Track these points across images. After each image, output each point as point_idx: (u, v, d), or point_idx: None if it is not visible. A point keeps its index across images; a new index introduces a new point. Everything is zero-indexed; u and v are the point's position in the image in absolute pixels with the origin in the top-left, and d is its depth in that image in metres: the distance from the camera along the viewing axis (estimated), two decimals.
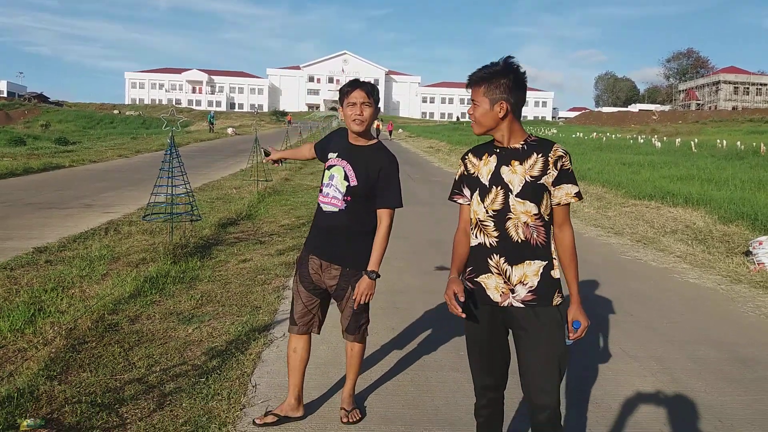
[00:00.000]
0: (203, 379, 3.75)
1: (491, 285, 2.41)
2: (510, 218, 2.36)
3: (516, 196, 2.35)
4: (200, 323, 4.77)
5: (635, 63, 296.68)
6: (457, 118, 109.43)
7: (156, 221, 8.06)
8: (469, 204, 2.52)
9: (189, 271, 6.26)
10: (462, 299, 2.33)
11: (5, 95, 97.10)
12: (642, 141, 36.73)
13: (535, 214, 2.35)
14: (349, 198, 3.09)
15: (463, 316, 2.37)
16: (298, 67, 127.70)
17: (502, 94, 2.32)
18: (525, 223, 2.35)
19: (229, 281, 6.01)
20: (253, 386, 3.73)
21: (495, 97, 2.33)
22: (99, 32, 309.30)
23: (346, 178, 3.10)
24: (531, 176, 2.33)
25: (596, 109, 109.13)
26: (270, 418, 3.23)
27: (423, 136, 50.86)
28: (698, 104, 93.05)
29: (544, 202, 2.36)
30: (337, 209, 3.12)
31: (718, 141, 31.78)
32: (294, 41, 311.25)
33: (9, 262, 6.34)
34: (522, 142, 2.39)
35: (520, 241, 2.36)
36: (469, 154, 2.54)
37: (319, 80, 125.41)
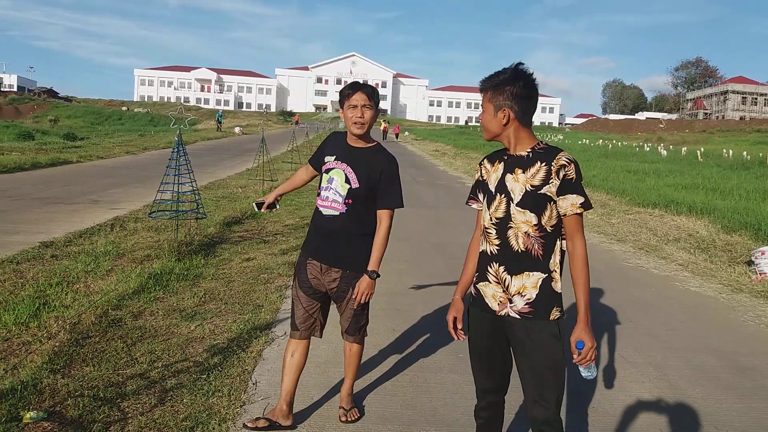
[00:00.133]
0: (204, 376, 3.79)
1: (489, 293, 2.41)
2: (511, 227, 2.34)
3: (516, 205, 2.32)
4: (203, 320, 4.82)
5: (643, 71, 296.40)
6: (466, 122, 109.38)
7: (162, 218, 8.12)
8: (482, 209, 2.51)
9: (193, 269, 6.31)
10: (460, 326, 2.53)
11: (15, 89, 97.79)
12: (648, 149, 36.69)
13: (536, 225, 2.31)
14: (350, 201, 3.09)
15: (462, 339, 2.57)
16: (306, 68, 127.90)
17: (505, 101, 2.32)
18: (526, 233, 2.32)
19: (233, 279, 6.06)
20: (254, 384, 3.77)
21: (498, 103, 2.33)
22: (109, 28, 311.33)
23: (347, 180, 3.10)
24: (532, 185, 2.29)
25: (603, 116, 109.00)
26: (261, 423, 3.19)
27: (429, 139, 50.91)
28: (706, 113, 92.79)
29: (547, 212, 2.30)
30: (337, 212, 3.11)
31: (725, 151, 31.73)
32: (303, 42, 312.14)
33: (15, 256, 6.40)
34: (528, 150, 2.35)
35: (520, 251, 2.33)
36: (485, 160, 2.53)
37: (327, 81, 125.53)
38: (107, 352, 4.06)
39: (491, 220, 2.40)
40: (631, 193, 13.89)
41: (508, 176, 2.36)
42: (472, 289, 2.53)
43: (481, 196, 2.51)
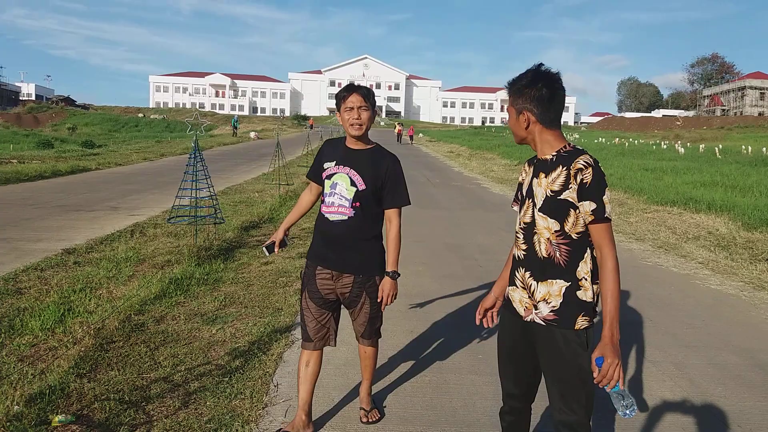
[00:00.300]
0: (227, 379, 3.84)
1: (516, 298, 2.40)
2: (536, 233, 2.30)
3: (538, 210, 2.28)
4: (224, 324, 4.88)
5: (659, 68, 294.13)
6: (482, 122, 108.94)
7: (180, 224, 8.21)
8: None
9: (213, 273, 6.38)
10: (480, 316, 2.59)
11: (33, 98, 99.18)
12: (665, 147, 36.35)
13: (557, 231, 2.24)
14: (357, 204, 3.06)
15: (488, 325, 2.60)
16: (319, 72, 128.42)
17: (524, 104, 2.29)
18: (548, 239, 2.26)
19: (252, 283, 6.12)
20: (275, 386, 3.81)
21: (519, 106, 2.31)
22: (124, 36, 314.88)
23: (353, 183, 3.07)
24: (552, 191, 2.23)
25: (619, 115, 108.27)
26: None
27: (443, 140, 50.86)
28: (723, 110, 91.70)
29: (570, 219, 2.21)
30: (345, 217, 3.07)
31: (743, 147, 31.34)
32: (316, 46, 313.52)
33: (39, 263, 6.52)
34: (553, 154, 2.28)
35: (542, 257, 2.28)
36: (526, 162, 2.48)
37: (340, 84, 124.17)
38: (131, 357, 4.13)
39: (520, 225, 2.39)
40: (649, 191, 13.79)
41: (535, 180, 2.33)
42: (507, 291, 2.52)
43: (520, 199, 2.48)
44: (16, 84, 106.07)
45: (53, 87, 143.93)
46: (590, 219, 2.18)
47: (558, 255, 2.25)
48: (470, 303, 5.80)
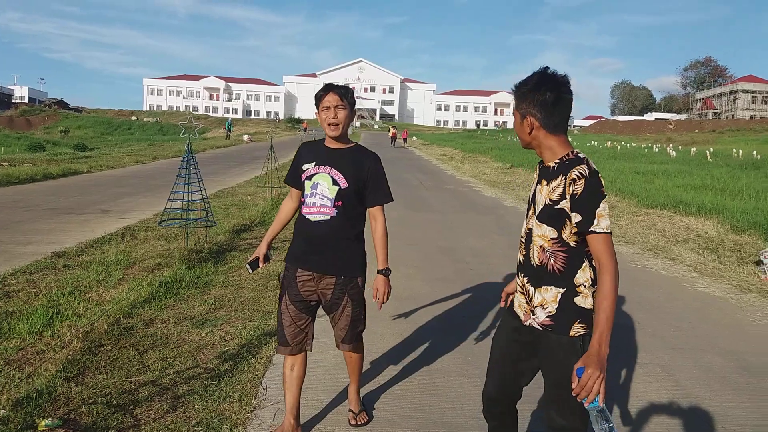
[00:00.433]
0: (215, 382, 3.85)
1: (516, 302, 2.43)
2: (533, 240, 2.30)
3: (537, 217, 2.27)
4: (213, 327, 4.88)
5: (652, 71, 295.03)
6: (477, 126, 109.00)
7: (172, 227, 8.20)
8: None
9: (203, 277, 6.38)
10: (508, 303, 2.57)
11: (26, 101, 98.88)
12: (657, 150, 36.52)
13: (554, 239, 2.23)
14: (339, 203, 3.04)
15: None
16: (314, 75, 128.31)
17: (528, 108, 2.25)
18: (541, 246, 2.26)
19: (242, 286, 6.12)
20: (264, 389, 3.82)
21: (523, 111, 2.28)
22: (118, 39, 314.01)
23: (335, 182, 3.05)
24: (551, 200, 2.21)
25: (612, 118, 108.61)
26: None
27: (437, 143, 50.93)
28: (715, 113, 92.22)
29: (567, 228, 2.19)
30: (328, 216, 3.04)
31: (734, 150, 31.53)
32: (310, 49, 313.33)
33: (28, 266, 6.50)
34: (557, 161, 2.24)
35: (536, 265, 2.29)
36: (537, 165, 2.44)
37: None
38: (120, 360, 4.13)
39: (524, 231, 2.37)
40: (640, 194, 13.86)
41: (538, 187, 2.31)
42: None
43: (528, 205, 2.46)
44: (9, 87, 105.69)
45: (47, 90, 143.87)
46: (575, 230, 2.16)
47: (552, 262, 2.24)
48: (460, 306, 5.83)
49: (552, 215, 2.20)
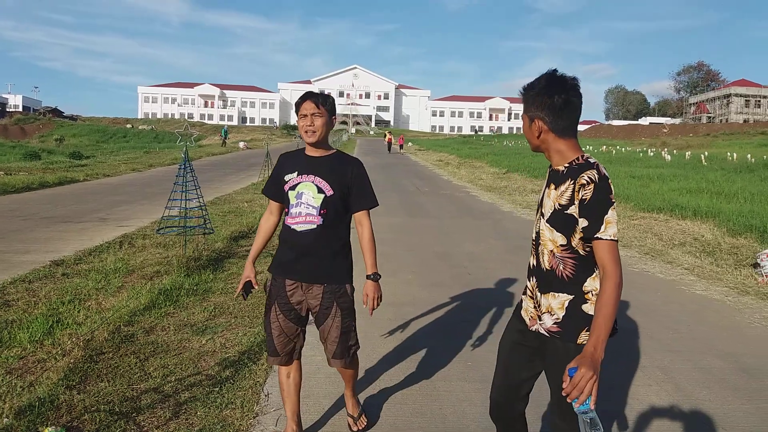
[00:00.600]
0: (217, 389, 3.85)
1: (524, 306, 2.40)
2: (540, 243, 2.28)
3: (546, 221, 2.24)
4: (213, 334, 4.88)
5: (645, 76, 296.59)
6: (475, 131, 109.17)
7: (169, 234, 8.21)
8: None
9: (202, 284, 6.38)
10: None
11: (21, 109, 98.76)
12: (652, 154, 36.68)
13: (563, 245, 2.19)
14: (325, 211, 3.01)
15: None
16: (308, 82, 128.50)
17: (536, 112, 2.22)
18: (551, 251, 2.23)
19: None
20: (266, 395, 3.83)
21: (531, 114, 2.25)
22: (113, 47, 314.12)
23: (320, 190, 3.02)
24: (560, 204, 2.17)
25: (606, 123, 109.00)
26: None
27: (433, 149, 51.06)
28: (709, 117, 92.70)
29: (577, 234, 2.15)
30: (314, 225, 3.00)
31: (729, 154, 31.71)
32: (305, 56, 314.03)
33: (27, 275, 6.50)
34: (566, 165, 2.20)
35: (546, 269, 2.25)
36: (548, 169, 2.38)
37: (329, 94, 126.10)
38: (121, 368, 4.13)
39: (533, 233, 2.35)
40: (636, 198, 13.93)
41: (547, 191, 2.28)
42: None
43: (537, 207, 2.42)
44: (3, 95, 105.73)
45: (41, 98, 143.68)
46: (580, 236, 2.13)
47: (562, 268, 2.21)
48: (459, 311, 5.85)
49: (561, 220, 2.17)
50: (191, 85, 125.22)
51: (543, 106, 2.19)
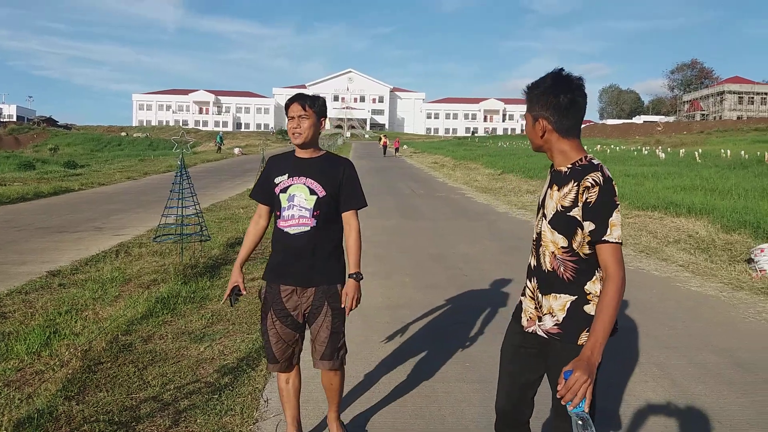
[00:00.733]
0: (216, 396, 3.86)
1: (523, 307, 2.36)
2: (542, 245, 2.25)
3: (548, 222, 2.20)
4: (211, 341, 4.90)
5: (639, 75, 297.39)
6: (472, 133, 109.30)
7: (166, 242, 8.22)
8: None
9: (199, 291, 6.39)
10: None
11: (15, 119, 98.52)
12: (646, 152, 36.81)
13: (564, 248, 2.17)
14: (318, 212, 3.00)
15: None
16: (303, 86, 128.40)
17: (541, 111, 2.18)
18: (552, 253, 2.20)
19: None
20: (265, 401, 3.85)
21: (535, 113, 2.21)
22: (107, 55, 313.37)
23: (313, 192, 3.01)
24: (562, 206, 2.14)
25: (601, 122, 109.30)
26: None
27: (428, 151, 51.11)
28: (703, 115, 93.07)
29: (578, 237, 2.13)
30: (308, 227, 2.99)
31: (722, 151, 31.84)
32: (300, 61, 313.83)
33: (24, 286, 6.50)
34: (569, 166, 2.17)
35: (547, 270, 2.23)
36: (549, 169, 2.35)
37: (319, 96, 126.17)
38: (120, 377, 4.14)
39: (534, 234, 2.32)
40: (631, 196, 13.97)
41: (548, 192, 2.24)
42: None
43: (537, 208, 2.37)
44: None
45: (35, 108, 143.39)
46: (588, 239, 2.11)
47: (563, 270, 2.19)
48: (455, 312, 5.87)
49: (563, 222, 2.15)
50: (186, 92, 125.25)
51: (548, 105, 2.16)
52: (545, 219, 2.21)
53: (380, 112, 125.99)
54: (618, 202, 2.10)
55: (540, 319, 2.26)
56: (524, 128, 2.32)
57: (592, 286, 2.17)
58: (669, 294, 6.68)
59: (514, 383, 2.41)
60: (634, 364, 4.57)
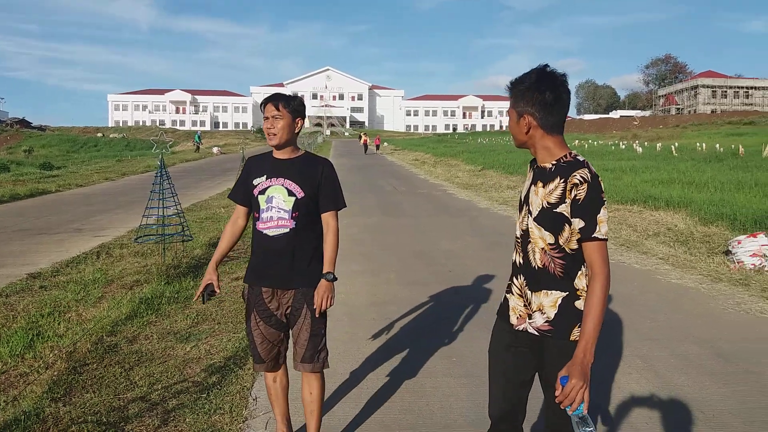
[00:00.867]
0: (204, 395, 3.86)
1: (511, 305, 2.32)
2: (530, 242, 2.21)
3: (534, 219, 2.18)
4: (197, 341, 4.88)
5: (615, 70, 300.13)
6: (453, 130, 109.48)
7: (147, 243, 8.15)
8: None
9: (183, 291, 6.35)
10: None
11: None
12: (623, 147, 37.25)
13: (551, 244, 2.15)
14: (297, 213, 2.97)
15: None
16: (281, 84, 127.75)
17: (526, 107, 2.16)
18: (542, 249, 2.18)
19: (223, 299, 6.11)
20: (254, 399, 3.85)
21: (520, 109, 2.19)
22: (81, 55, 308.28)
23: (291, 193, 2.97)
24: (548, 203, 2.13)
25: (578, 117, 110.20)
26: None
27: (408, 149, 51.20)
28: (678, 109, 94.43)
29: (565, 233, 2.12)
30: (287, 229, 2.96)
31: (698, 144, 32.35)
32: (277, 59, 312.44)
33: (4, 289, 6.41)
34: (553, 162, 2.16)
35: (537, 267, 2.20)
36: (529, 164, 2.33)
37: (303, 97, 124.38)
38: (106, 378, 4.11)
39: (518, 231, 2.29)
40: (609, 191, 14.12)
41: (532, 188, 2.22)
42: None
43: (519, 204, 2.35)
44: None
45: (7, 109, 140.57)
46: (577, 237, 2.10)
47: (553, 266, 2.17)
48: (440, 308, 5.91)
49: (550, 219, 2.13)
50: (162, 92, 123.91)
51: (533, 101, 2.15)
52: (530, 216, 2.20)
53: (360, 109, 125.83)
54: (605, 199, 2.12)
55: (530, 316, 2.23)
56: (507, 124, 2.29)
57: (580, 282, 2.17)
58: (650, 287, 6.78)
59: (510, 383, 2.36)
60: (618, 356, 4.64)
